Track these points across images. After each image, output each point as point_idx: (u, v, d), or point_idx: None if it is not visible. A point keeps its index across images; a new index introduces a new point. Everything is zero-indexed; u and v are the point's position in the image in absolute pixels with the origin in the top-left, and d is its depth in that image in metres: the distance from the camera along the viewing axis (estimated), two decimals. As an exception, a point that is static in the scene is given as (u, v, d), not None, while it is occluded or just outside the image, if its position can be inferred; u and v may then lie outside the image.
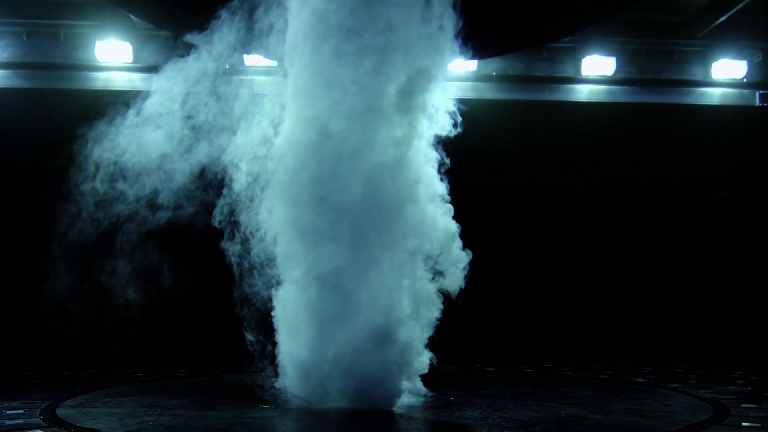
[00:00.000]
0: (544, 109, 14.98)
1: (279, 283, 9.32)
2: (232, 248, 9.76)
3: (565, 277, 14.53)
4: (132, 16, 13.61)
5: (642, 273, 14.74)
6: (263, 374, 9.78)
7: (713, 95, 15.44)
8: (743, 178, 15.02)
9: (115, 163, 10.14)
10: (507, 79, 15.04)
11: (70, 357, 13.00)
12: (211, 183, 10.01)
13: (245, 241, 9.66)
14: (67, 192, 10.42)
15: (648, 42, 15.15)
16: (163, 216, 10.22)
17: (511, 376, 11.88)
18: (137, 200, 10.22)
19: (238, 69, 13.29)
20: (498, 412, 8.40)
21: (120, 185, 10.23)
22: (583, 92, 15.27)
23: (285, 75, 9.39)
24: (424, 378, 9.50)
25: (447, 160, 9.64)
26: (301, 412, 8.61)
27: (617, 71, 15.02)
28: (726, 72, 15.25)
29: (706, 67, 15.33)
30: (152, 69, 13.88)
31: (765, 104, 15.31)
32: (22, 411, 8.57)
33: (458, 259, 9.52)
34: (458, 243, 9.51)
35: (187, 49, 9.92)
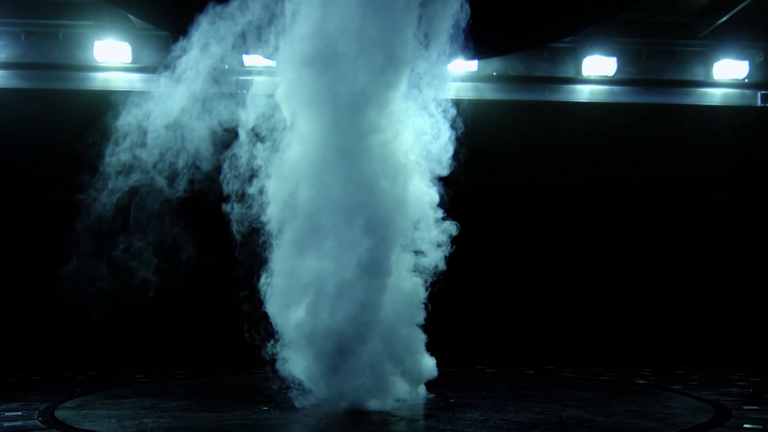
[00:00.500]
0: (544, 110, 14.94)
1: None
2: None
3: (565, 278, 14.49)
4: (131, 16, 13.57)
5: (642, 273, 14.69)
6: (270, 375, 9.70)
7: (715, 96, 15.42)
8: (744, 178, 14.98)
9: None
10: (507, 80, 15.02)
11: (68, 358, 13.01)
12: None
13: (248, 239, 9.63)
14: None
15: (649, 42, 15.13)
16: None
17: (512, 377, 11.84)
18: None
19: (237, 69, 13.28)
20: (498, 414, 8.38)
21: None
22: (583, 93, 15.24)
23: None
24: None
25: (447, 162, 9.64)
26: (300, 413, 8.58)
27: (618, 71, 14.99)
28: (727, 72, 15.23)
29: (708, 67, 15.30)
30: (151, 69, 13.96)
31: (767, 105, 15.28)
32: (20, 413, 8.56)
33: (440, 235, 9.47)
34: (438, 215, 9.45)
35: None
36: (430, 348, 9.62)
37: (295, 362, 9.10)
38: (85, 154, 10.32)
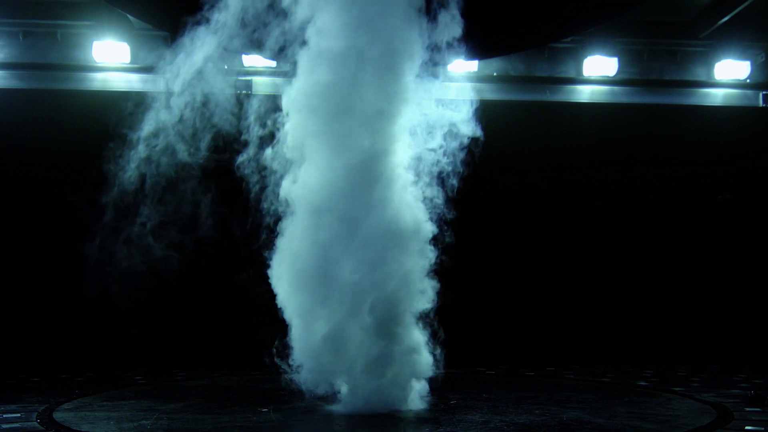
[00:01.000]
0: (545, 110, 14.91)
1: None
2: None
3: (566, 279, 14.45)
4: (130, 17, 13.54)
5: (644, 274, 14.65)
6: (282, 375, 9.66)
7: (716, 96, 15.40)
8: (746, 179, 14.94)
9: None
10: (508, 80, 15.00)
11: (67, 359, 13.00)
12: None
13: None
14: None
15: (650, 42, 15.11)
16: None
17: (513, 379, 11.82)
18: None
19: (236, 69, 13.26)
20: (499, 416, 8.36)
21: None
22: (584, 93, 15.22)
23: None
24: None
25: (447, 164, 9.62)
26: (300, 414, 8.56)
27: (619, 72, 14.97)
28: (729, 72, 15.21)
29: (709, 67, 15.28)
30: (150, 70, 13.94)
31: (768, 105, 15.29)
32: (19, 414, 8.54)
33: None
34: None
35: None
36: (435, 351, 9.59)
37: (315, 367, 9.11)
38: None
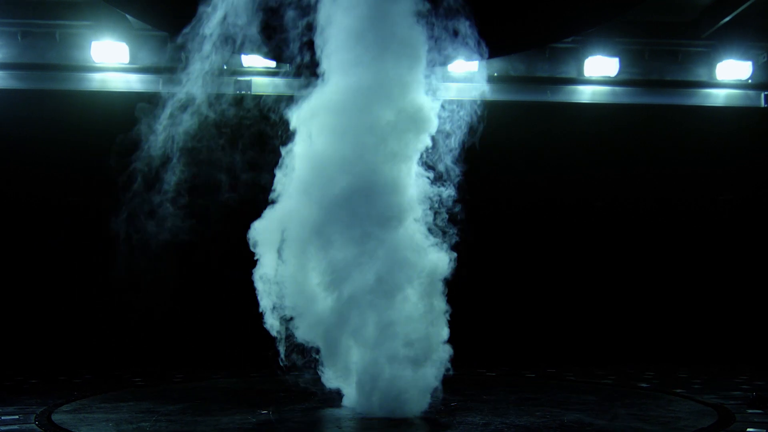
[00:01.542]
0: (546, 111, 14.91)
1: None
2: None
3: (566, 280, 14.44)
4: (128, 17, 13.52)
5: (644, 275, 14.65)
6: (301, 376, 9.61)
7: (718, 96, 15.39)
8: (747, 180, 14.92)
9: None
10: (508, 80, 14.99)
11: (65, 360, 12.98)
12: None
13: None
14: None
15: (651, 42, 15.10)
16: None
17: (514, 381, 11.79)
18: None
19: (236, 69, 13.26)
20: (500, 418, 8.32)
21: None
22: (585, 93, 15.21)
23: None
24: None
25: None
26: (299, 415, 8.53)
27: (620, 72, 14.97)
28: (731, 73, 15.20)
29: (711, 67, 15.28)
30: (149, 70, 13.93)
31: (770, 105, 15.28)
32: (17, 416, 8.50)
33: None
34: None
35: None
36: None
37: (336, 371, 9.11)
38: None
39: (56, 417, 8.47)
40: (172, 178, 9.86)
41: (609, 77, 15.03)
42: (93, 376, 12.07)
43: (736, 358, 14.01)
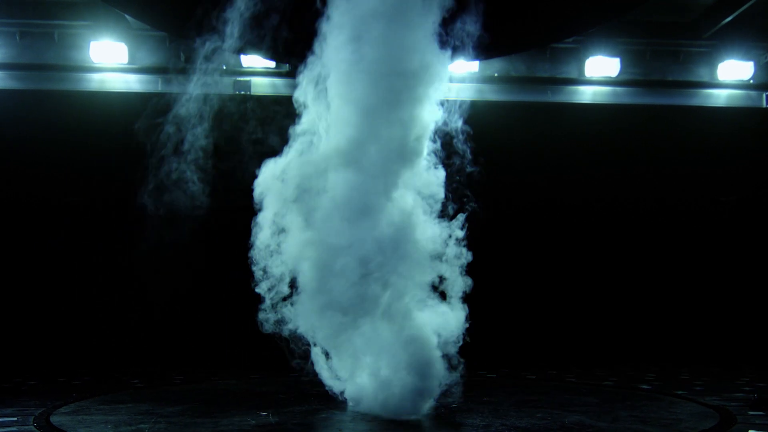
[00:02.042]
0: (546, 111, 14.90)
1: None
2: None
3: (567, 280, 14.42)
4: (127, 17, 13.50)
5: (645, 276, 14.63)
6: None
7: (719, 97, 15.37)
8: (749, 181, 14.90)
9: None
10: (509, 81, 14.97)
11: (64, 362, 12.97)
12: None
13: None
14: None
15: (653, 43, 15.08)
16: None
17: (514, 382, 11.76)
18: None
19: (235, 70, 13.25)
20: (500, 419, 8.31)
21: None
22: (586, 94, 15.19)
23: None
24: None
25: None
26: (299, 417, 8.52)
27: (621, 72, 14.95)
28: (732, 73, 15.18)
29: (712, 68, 15.26)
30: (148, 70, 13.92)
31: (771, 106, 15.26)
32: (15, 418, 8.49)
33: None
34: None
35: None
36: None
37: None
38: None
39: (55, 419, 8.46)
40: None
41: (610, 77, 15.01)
42: (92, 378, 12.06)
43: (737, 360, 13.99)
